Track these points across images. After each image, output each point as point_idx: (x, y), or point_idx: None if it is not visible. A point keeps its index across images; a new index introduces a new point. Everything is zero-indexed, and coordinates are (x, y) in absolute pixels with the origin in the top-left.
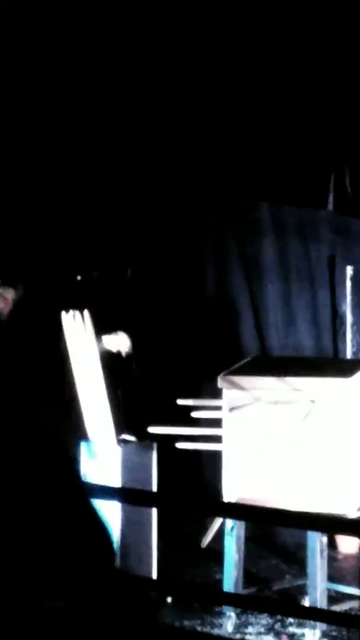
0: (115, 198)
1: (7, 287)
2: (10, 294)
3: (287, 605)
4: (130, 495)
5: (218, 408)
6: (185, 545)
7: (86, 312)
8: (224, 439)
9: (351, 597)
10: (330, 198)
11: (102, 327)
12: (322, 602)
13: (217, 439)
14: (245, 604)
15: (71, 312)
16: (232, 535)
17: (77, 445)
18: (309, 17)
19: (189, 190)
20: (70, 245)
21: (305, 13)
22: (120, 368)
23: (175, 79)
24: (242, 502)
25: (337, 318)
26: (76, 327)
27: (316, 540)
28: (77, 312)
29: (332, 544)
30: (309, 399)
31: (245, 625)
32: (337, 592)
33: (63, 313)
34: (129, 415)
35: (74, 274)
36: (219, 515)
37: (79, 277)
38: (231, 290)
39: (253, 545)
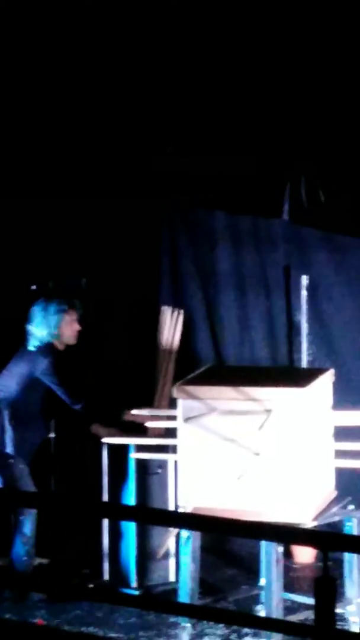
0: (70, 207)
1: (73, 308)
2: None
3: (243, 615)
4: (82, 506)
5: (173, 418)
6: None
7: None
8: (179, 449)
9: (307, 606)
10: (286, 207)
11: None
12: (277, 612)
13: (172, 448)
14: (201, 615)
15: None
16: (188, 546)
17: None
18: (269, 32)
19: (144, 200)
20: (26, 256)
21: (268, 26)
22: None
23: (129, 88)
24: (197, 512)
25: (292, 327)
26: None
27: (272, 550)
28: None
29: (287, 554)
30: (265, 409)
31: (201, 636)
32: (293, 602)
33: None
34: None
35: (29, 284)
36: (174, 526)
37: (34, 287)
38: (186, 300)
39: (209, 555)
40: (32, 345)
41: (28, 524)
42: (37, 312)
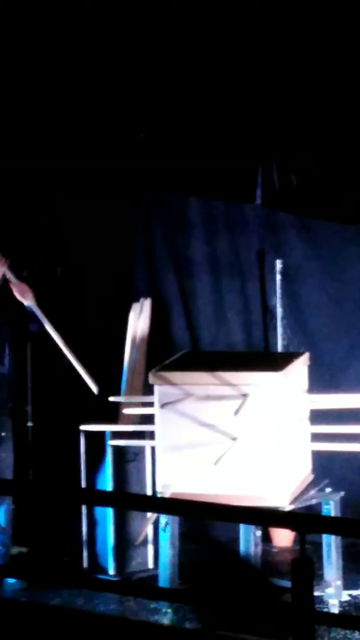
0: (44, 196)
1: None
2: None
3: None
4: (60, 492)
5: (150, 404)
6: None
7: None
8: (156, 435)
9: (285, 590)
10: (258, 192)
11: None
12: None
13: (150, 434)
14: (181, 599)
15: None
16: (167, 531)
17: None
18: (244, 19)
19: (117, 187)
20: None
21: (241, 14)
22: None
23: (107, 75)
24: (175, 497)
25: (267, 312)
26: None
27: (250, 534)
28: None
29: (266, 538)
30: (242, 394)
31: (182, 621)
32: (272, 586)
33: None
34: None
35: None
36: (152, 511)
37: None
38: (161, 286)
39: (188, 541)
40: None
41: (2, 514)
42: None
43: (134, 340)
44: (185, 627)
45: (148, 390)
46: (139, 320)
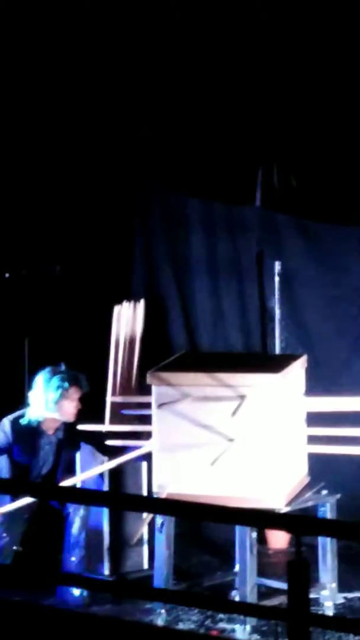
0: (43, 195)
1: (78, 386)
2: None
3: (217, 600)
4: (55, 492)
5: (148, 405)
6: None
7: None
8: (153, 435)
9: (281, 592)
10: (258, 194)
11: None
12: (252, 598)
13: (147, 435)
14: (176, 600)
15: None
16: (162, 532)
17: None
18: (245, 22)
19: (118, 187)
20: None
21: (241, 15)
22: None
23: (110, 73)
24: (171, 498)
25: (265, 313)
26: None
27: (246, 536)
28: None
29: (261, 540)
30: (239, 395)
31: (176, 621)
32: (267, 588)
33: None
34: None
35: (2, 272)
36: (148, 511)
37: (7, 275)
38: (159, 286)
39: (183, 541)
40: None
41: (78, 523)
42: (38, 382)
43: (126, 340)
44: (179, 629)
45: (142, 390)
46: (134, 321)
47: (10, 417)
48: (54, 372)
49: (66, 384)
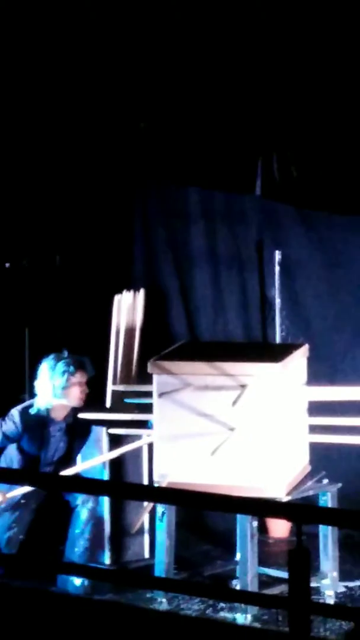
0: (42, 185)
1: (83, 370)
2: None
3: (219, 589)
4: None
5: (150, 394)
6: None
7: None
8: (154, 424)
9: (282, 580)
10: (258, 183)
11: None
12: (253, 587)
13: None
14: (177, 588)
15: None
16: (163, 521)
17: None
18: (244, 12)
19: (117, 176)
20: None
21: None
22: None
23: (99, 67)
24: (172, 487)
25: (266, 303)
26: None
27: (247, 525)
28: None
29: (262, 529)
30: (240, 384)
31: (177, 610)
32: (268, 577)
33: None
34: None
35: (3, 262)
36: (148, 500)
37: (7, 265)
38: (160, 276)
39: (184, 530)
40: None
41: (86, 515)
42: (43, 369)
43: (126, 329)
44: (184, 614)
45: (143, 379)
46: (134, 310)
47: (19, 407)
48: (58, 358)
49: (72, 369)
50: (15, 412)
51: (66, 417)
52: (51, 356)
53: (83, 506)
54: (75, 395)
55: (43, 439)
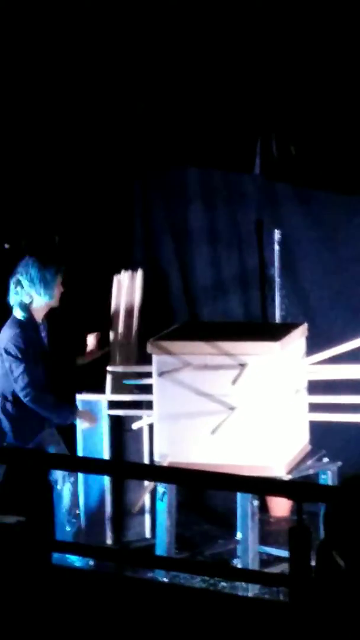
0: (41, 165)
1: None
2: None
3: (220, 567)
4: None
5: (149, 374)
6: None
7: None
8: (154, 404)
9: (283, 559)
10: (257, 162)
11: None
12: (254, 566)
13: (148, 404)
14: (178, 567)
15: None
16: (164, 501)
17: None
18: None
19: (116, 156)
20: None
21: None
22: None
23: (97, 46)
24: (172, 466)
25: (265, 282)
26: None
27: (247, 504)
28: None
29: (263, 508)
30: (239, 363)
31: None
32: (269, 555)
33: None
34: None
35: (1, 242)
36: (149, 479)
37: (6, 246)
38: (159, 256)
39: (185, 510)
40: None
41: (68, 493)
42: (34, 272)
43: (125, 309)
44: (187, 585)
45: (142, 360)
46: (132, 291)
47: (12, 332)
48: (37, 262)
49: (62, 267)
50: (14, 335)
51: (43, 319)
52: (30, 261)
53: (64, 484)
54: (58, 295)
55: (40, 342)
